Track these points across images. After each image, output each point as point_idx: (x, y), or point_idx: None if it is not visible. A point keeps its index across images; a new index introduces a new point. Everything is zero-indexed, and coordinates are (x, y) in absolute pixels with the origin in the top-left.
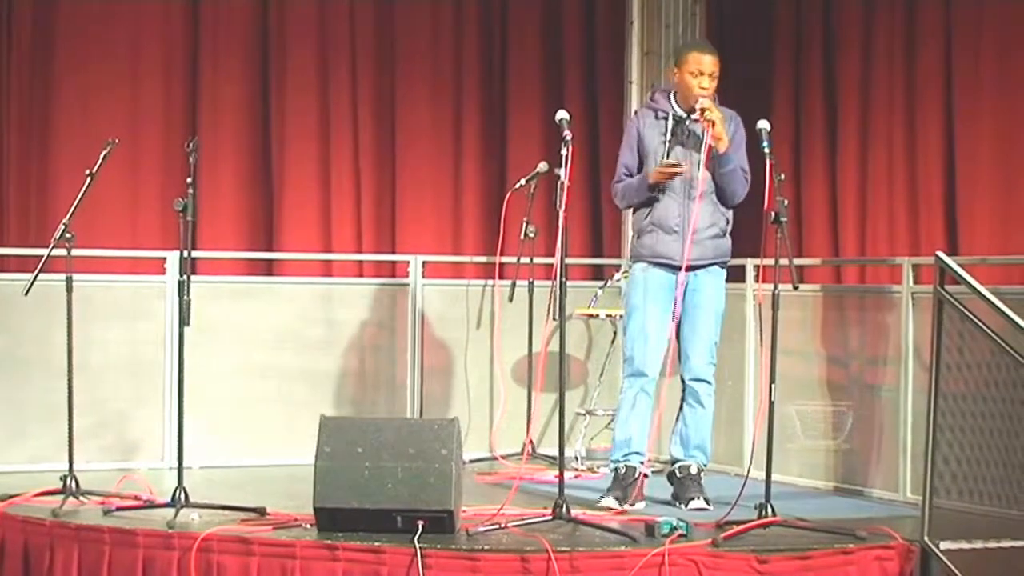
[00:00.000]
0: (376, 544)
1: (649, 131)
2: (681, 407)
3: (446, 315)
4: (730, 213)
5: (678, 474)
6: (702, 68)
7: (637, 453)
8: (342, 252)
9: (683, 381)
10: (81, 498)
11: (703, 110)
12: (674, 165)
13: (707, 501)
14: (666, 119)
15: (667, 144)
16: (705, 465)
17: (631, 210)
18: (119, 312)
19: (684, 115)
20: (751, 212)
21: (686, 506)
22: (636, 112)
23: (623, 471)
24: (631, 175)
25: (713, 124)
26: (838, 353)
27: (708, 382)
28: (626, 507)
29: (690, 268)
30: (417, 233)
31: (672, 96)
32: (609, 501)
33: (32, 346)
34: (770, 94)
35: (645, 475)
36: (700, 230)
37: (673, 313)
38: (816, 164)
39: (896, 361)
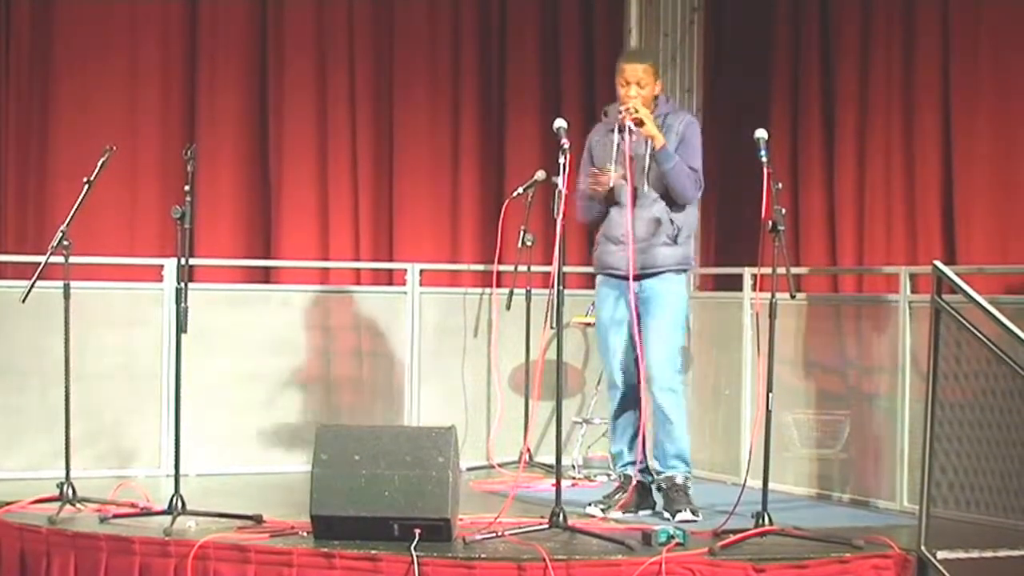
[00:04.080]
0: (373, 552)
1: (599, 144)
2: (652, 420)
3: (443, 323)
4: (683, 219)
5: (664, 485)
6: (626, 78)
7: (632, 463)
8: (340, 259)
9: (650, 393)
10: (78, 505)
11: (627, 110)
12: (597, 173)
13: (694, 512)
14: (612, 131)
15: (614, 154)
16: (689, 473)
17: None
18: (116, 319)
19: (629, 125)
20: (749, 221)
21: (673, 518)
22: (594, 127)
23: (621, 479)
24: None
25: (641, 123)
26: (835, 362)
27: (672, 390)
28: (616, 514)
29: (638, 277)
30: (415, 241)
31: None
32: (593, 509)
33: (29, 353)
34: (768, 103)
35: (638, 481)
36: (645, 239)
37: (629, 324)
38: (814, 173)
39: (893, 370)
